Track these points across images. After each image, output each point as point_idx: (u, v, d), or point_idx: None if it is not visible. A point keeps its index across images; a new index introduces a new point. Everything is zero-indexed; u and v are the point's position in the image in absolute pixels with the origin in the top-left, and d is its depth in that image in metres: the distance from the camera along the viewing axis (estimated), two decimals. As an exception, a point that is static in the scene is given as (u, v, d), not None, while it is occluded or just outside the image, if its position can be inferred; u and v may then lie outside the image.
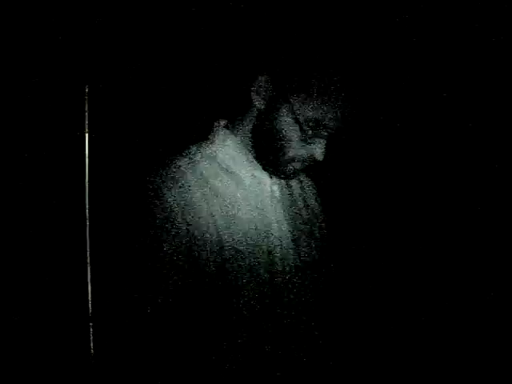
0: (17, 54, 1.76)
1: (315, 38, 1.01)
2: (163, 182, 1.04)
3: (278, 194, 1.15)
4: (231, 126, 1.13)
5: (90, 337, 1.82)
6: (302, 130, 1.02)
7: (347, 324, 1.30)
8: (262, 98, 1.05)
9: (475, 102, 1.75)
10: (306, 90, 1.00)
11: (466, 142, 1.79)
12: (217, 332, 1.05)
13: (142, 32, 1.86)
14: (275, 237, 1.10)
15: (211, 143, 1.12)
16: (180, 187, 1.04)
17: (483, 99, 1.74)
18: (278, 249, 1.10)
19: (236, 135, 1.12)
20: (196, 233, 1.02)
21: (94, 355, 1.83)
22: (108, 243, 1.71)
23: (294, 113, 1.01)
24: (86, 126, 1.86)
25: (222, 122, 1.15)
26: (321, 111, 1.00)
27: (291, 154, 1.05)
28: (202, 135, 1.14)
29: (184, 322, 1.04)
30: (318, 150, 1.04)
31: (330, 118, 1.01)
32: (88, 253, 1.83)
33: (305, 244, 1.16)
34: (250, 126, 1.09)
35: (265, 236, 1.09)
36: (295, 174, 1.10)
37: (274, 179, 1.14)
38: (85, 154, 1.87)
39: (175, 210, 1.02)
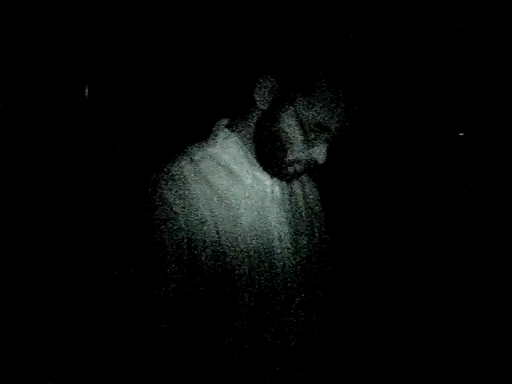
0: (17, 54, 1.76)
1: (321, 40, 1.00)
2: (164, 181, 1.04)
3: (278, 194, 1.14)
4: (233, 126, 1.12)
5: (89, 337, 1.82)
6: (304, 132, 1.02)
7: (347, 325, 1.30)
8: (265, 99, 1.04)
9: (477, 105, 1.75)
10: (311, 93, 1.00)
11: (467, 145, 1.79)
12: (216, 332, 1.04)
13: (143, 32, 1.85)
14: (275, 237, 1.10)
15: (213, 143, 1.11)
16: (181, 187, 1.03)
17: (485, 101, 1.74)
18: (278, 249, 1.09)
19: (238, 135, 1.11)
20: (196, 233, 1.02)
21: (94, 353, 1.83)
22: (108, 243, 1.71)
23: (297, 115, 1.01)
24: (86, 126, 1.86)
25: (224, 122, 1.14)
26: (324, 115, 1.00)
27: (293, 156, 1.04)
28: (204, 135, 1.13)
29: (184, 322, 1.04)
30: (319, 153, 1.03)
31: (334, 123, 1.00)
32: (88, 253, 1.83)
33: (305, 245, 1.16)
34: (253, 127, 1.09)
35: (265, 236, 1.08)
36: (296, 176, 1.09)
37: (275, 180, 1.13)
38: (85, 154, 1.87)
39: (175, 209, 1.01)
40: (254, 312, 1.05)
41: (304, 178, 1.25)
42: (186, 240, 1.02)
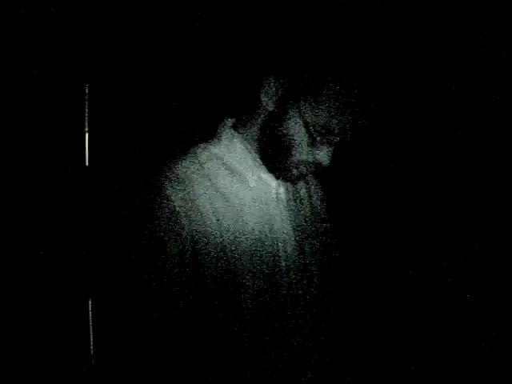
0: (17, 54, 1.76)
1: (330, 41, 1.00)
2: (167, 181, 1.03)
3: (283, 196, 1.13)
4: (238, 126, 1.12)
5: (90, 337, 1.82)
6: (309, 134, 1.01)
7: (351, 327, 1.29)
8: (271, 99, 1.04)
9: (484, 109, 1.75)
10: (318, 95, 0.99)
11: (472, 149, 1.79)
12: (219, 333, 1.04)
13: (145, 30, 1.85)
14: (280, 239, 1.09)
15: (217, 143, 1.11)
16: (184, 187, 1.03)
17: (485, 101, 1.74)
18: (282, 252, 1.09)
19: (243, 136, 1.10)
20: (200, 234, 1.02)
21: (94, 355, 1.83)
22: (109, 244, 1.71)
23: (303, 117, 1.00)
24: (86, 126, 1.86)
25: (230, 122, 1.13)
26: (331, 118, 0.99)
27: (297, 158, 1.03)
28: (209, 135, 1.13)
29: (186, 322, 1.04)
30: (324, 156, 1.03)
31: (340, 126, 1.00)
32: (88, 253, 1.83)
33: (310, 247, 1.15)
34: (258, 127, 1.08)
35: (269, 239, 1.08)
36: (300, 178, 1.09)
37: (281, 181, 1.13)
38: (85, 154, 1.86)
39: (179, 210, 1.01)
40: (257, 314, 1.05)
41: (310, 179, 1.24)
42: (188, 241, 1.02)
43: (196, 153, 1.10)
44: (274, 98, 1.04)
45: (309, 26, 1.01)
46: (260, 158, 1.09)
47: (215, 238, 1.02)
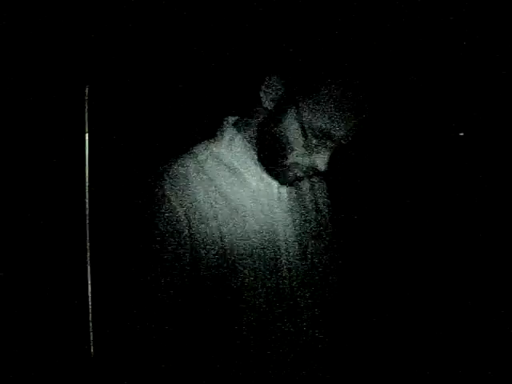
0: (17, 54, 1.76)
1: (330, 44, 0.99)
2: (167, 181, 1.03)
3: (286, 195, 1.12)
4: (239, 125, 1.11)
5: (90, 337, 1.82)
6: (306, 137, 1.00)
7: (354, 328, 1.29)
8: (271, 99, 1.03)
9: (483, 112, 1.76)
10: (317, 97, 0.98)
11: (472, 151, 1.79)
12: (219, 334, 1.04)
13: (145, 30, 1.85)
14: (281, 240, 1.08)
15: (218, 143, 1.10)
16: (184, 187, 1.03)
17: (485, 101, 1.74)
18: (284, 252, 1.08)
19: (244, 135, 1.10)
20: (200, 234, 1.01)
21: (94, 355, 1.83)
22: (110, 244, 1.71)
23: (300, 119, 0.99)
24: (86, 126, 1.86)
25: (230, 122, 1.12)
26: (328, 121, 0.98)
27: (292, 160, 1.03)
28: (209, 134, 1.13)
29: (186, 324, 1.04)
30: (321, 161, 1.02)
31: (338, 130, 0.98)
32: (88, 253, 1.83)
33: (312, 247, 1.13)
34: (258, 127, 1.07)
35: (271, 239, 1.07)
36: (296, 180, 1.08)
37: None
38: (85, 154, 1.86)
39: (179, 210, 1.00)
40: (258, 314, 1.05)
41: (315, 179, 1.22)
42: (188, 241, 1.01)
43: (196, 152, 1.10)
44: (273, 97, 1.04)
45: (309, 27, 1.00)
46: (261, 158, 1.08)
47: (215, 238, 1.02)
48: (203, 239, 1.01)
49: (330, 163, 1.03)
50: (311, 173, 1.05)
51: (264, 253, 1.05)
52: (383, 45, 1.02)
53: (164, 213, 1.00)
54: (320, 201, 1.23)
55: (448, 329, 1.89)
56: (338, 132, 0.99)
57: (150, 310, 1.02)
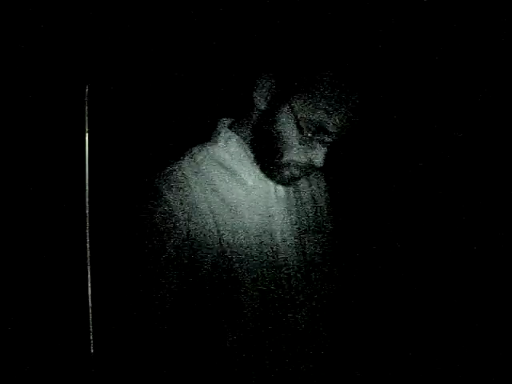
0: (17, 54, 1.76)
1: (321, 40, 0.99)
2: (164, 182, 1.03)
3: (283, 193, 1.13)
4: (235, 126, 1.12)
5: (90, 337, 1.82)
6: (301, 133, 1.00)
7: (354, 326, 1.29)
8: (264, 99, 1.03)
9: (480, 107, 1.75)
10: (310, 93, 0.98)
11: (469, 147, 1.79)
12: (219, 333, 1.04)
13: (142, 31, 1.85)
14: (280, 238, 1.09)
15: (214, 143, 1.11)
16: (181, 188, 1.03)
17: (485, 101, 1.74)
18: (282, 251, 1.08)
19: (240, 135, 1.10)
20: (198, 234, 1.02)
21: (94, 355, 1.83)
22: (108, 244, 1.71)
23: (295, 115, 0.99)
24: (86, 126, 1.86)
25: (226, 122, 1.13)
26: (322, 114, 0.97)
27: (288, 157, 1.02)
28: (205, 135, 1.13)
29: (185, 323, 1.04)
30: (317, 156, 1.01)
31: (332, 124, 0.98)
32: (88, 253, 1.83)
33: (310, 245, 1.14)
34: (254, 127, 1.07)
35: (269, 237, 1.07)
36: (293, 180, 1.08)
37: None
38: (85, 154, 1.86)
39: (176, 211, 1.01)
40: (258, 314, 1.05)
41: (312, 176, 1.22)
42: (186, 242, 1.02)
43: (193, 153, 1.10)
44: (266, 96, 1.03)
45: (300, 25, 1.00)
46: (257, 158, 1.08)
47: (213, 238, 1.02)
48: (201, 239, 1.02)
49: (326, 159, 1.03)
50: (308, 170, 1.05)
51: (262, 251, 1.06)
52: (380, 37, 1.01)
53: (162, 213, 1.01)
54: (317, 198, 1.23)
55: (448, 323, 1.89)
56: (334, 126, 0.98)
57: (149, 310, 1.02)
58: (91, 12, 1.82)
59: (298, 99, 0.99)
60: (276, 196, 1.11)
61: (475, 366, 1.82)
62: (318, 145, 1.02)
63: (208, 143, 1.11)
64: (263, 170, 1.08)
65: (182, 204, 1.01)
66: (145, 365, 1.01)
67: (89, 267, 1.83)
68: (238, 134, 1.10)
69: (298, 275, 1.10)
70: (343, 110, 0.98)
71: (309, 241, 1.14)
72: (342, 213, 1.30)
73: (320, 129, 0.99)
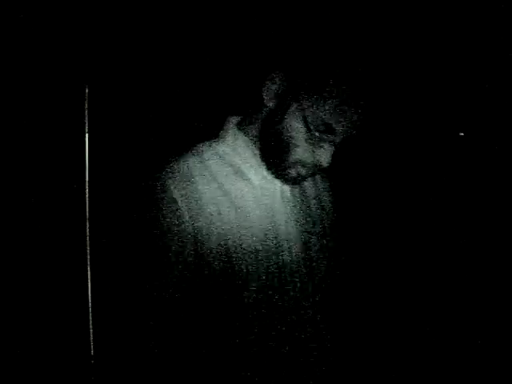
0: (17, 54, 1.76)
1: (331, 40, 0.99)
2: (171, 180, 1.03)
3: (288, 194, 1.13)
4: (243, 125, 1.11)
5: (90, 337, 1.82)
6: (309, 132, 1.00)
7: (358, 327, 1.29)
8: (273, 97, 1.03)
9: (485, 109, 1.76)
10: (319, 92, 0.98)
11: (476, 150, 1.80)
12: (222, 333, 1.04)
13: (145, 29, 1.85)
14: (285, 238, 1.08)
15: (221, 142, 1.11)
16: (188, 186, 1.03)
17: (485, 101, 1.75)
18: (287, 251, 1.08)
19: (247, 134, 1.10)
20: (203, 233, 1.01)
21: (94, 355, 1.82)
22: (111, 243, 1.70)
23: (302, 113, 0.99)
24: (86, 126, 1.86)
25: (233, 121, 1.13)
26: (330, 114, 0.98)
27: (295, 157, 1.02)
28: (212, 133, 1.13)
29: (189, 321, 1.04)
30: (324, 156, 1.02)
31: (340, 124, 0.98)
32: (88, 253, 1.83)
33: (315, 246, 1.14)
34: (262, 126, 1.07)
35: (274, 238, 1.07)
36: (300, 178, 1.07)
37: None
38: (85, 154, 1.86)
39: (183, 209, 1.00)
40: (261, 313, 1.05)
41: (318, 176, 1.22)
42: (191, 239, 1.01)
43: (200, 151, 1.10)
44: (275, 95, 1.04)
45: (310, 24, 1.00)
46: (264, 157, 1.08)
47: (219, 237, 1.02)
48: (206, 237, 1.01)
49: (333, 159, 1.03)
50: (314, 170, 1.06)
51: (267, 250, 1.05)
52: (386, 39, 1.02)
53: (167, 211, 1.00)
54: (323, 198, 1.23)
55: (448, 321, 1.90)
56: (342, 126, 0.99)
57: (152, 309, 1.02)
58: (91, 12, 1.82)
59: (307, 98, 0.99)
60: (282, 195, 1.11)
61: (475, 366, 1.83)
62: (325, 144, 1.02)
63: (215, 141, 1.11)
64: (270, 169, 1.08)
65: (187, 202, 1.01)
66: (145, 365, 1.01)
67: (89, 267, 1.83)
68: (245, 133, 1.10)
69: (303, 274, 1.10)
70: (352, 110, 0.98)
71: (314, 240, 1.14)
72: (347, 213, 1.30)
73: (328, 128, 0.99)
